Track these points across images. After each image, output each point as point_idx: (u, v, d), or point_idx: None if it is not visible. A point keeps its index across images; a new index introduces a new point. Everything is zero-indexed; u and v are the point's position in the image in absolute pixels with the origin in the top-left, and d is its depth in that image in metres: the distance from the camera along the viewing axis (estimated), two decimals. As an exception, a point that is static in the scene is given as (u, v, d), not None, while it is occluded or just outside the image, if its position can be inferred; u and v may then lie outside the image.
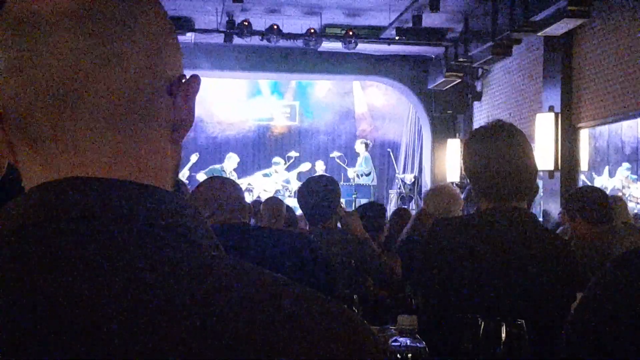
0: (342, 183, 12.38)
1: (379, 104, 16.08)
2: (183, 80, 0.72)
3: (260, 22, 10.45)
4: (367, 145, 13.93)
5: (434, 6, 9.04)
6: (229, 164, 13.09)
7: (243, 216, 2.57)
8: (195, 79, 0.73)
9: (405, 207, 9.66)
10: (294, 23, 10.67)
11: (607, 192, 6.19)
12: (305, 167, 14.06)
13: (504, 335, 1.56)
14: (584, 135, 9.33)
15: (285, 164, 13.92)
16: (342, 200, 11.69)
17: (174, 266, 0.62)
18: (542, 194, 9.24)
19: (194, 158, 13.28)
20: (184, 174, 12.63)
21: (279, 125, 16.30)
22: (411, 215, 5.29)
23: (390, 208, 11.28)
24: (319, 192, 3.47)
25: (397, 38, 10.95)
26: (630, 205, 9.94)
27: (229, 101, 15.65)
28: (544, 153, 8.97)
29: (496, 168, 2.19)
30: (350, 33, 10.70)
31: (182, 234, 0.66)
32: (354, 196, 12.58)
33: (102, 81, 0.66)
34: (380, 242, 4.78)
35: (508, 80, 11.14)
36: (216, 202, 2.52)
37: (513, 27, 8.83)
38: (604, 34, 8.45)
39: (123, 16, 0.68)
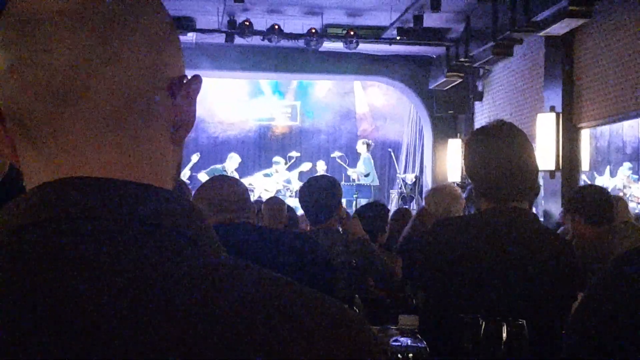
0: (343, 183, 12.37)
1: (380, 103, 16.07)
2: (184, 81, 0.72)
3: (261, 22, 10.45)
4: (368, 145, 13.91)
5: (435, 6, 9.03)
6: (231, 164, 13.09)
7: (247, 216, 2.56)
8: (197, 79, 0.73)
9: (407, 207, 9.67)
10: (295, 23, 10.66)
11: (608, 192, 6.16)
12: (306, 167, 14.05)
13: (504, 335, 1.56)
14: (585, 135, 9.32)
15: (286, 163, 13.92)
16: (343, 201, 11.72)
17: (175, 266, 0.62)
18: (542, 193, 9.24)
19: (195, 158, 13.27)
20: (185, 174, 12.63)
21: (280, 125, 16.29)
22: (412, 215, 5.29)
23: (392, 208, 11.27)
24: (320, 192, 3.47)
25: (398, 38, 10.94)
26: (632, 205, 9.93)
27: (230, 101, 15.65)
28: (545, 153, 8.96)
29: (497, 168, 2.19)
30: (352, 33, 10.69)
31: (183, 233, 0.66)
32: (355, 196, 12.58)
33: (102, 81, 0.66)
34: (382, 242, 4.78)
35: (509, 80, 11.13)
36: (218, 202, 2.52)
37: (514, 27, 8.82)
38: (605, 34, 8.44)
39: (124, 16, 0.68)
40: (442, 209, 4.14)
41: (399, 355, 1.64)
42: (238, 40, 10.65)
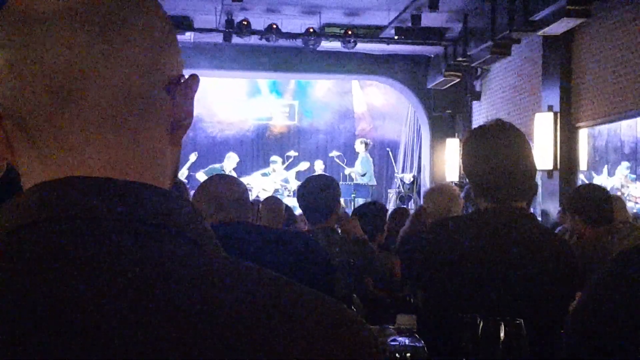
0: (340, 183, 12.36)
1: (378, 103, 16.08)
2: (182, 80, 0.72)
3: (259, 22, 10.45)
4: (367, 144, 13.90)
5: (433, 5, 9.03)
6: (229, 163, 13.09)
7: (245, 215, 2.56)
8: (194, 78, 0.73)
9: (404, 206, 9.67)
10: (293, 22, 10.66)
11: (606, 191, 6.16)
12: (304, 166, 14.05)
13: (502, 334, 1.56)
14: (583, 134, 9.33)
15: (284, 162, 13.92)
16: (341, 200, 11.72)
17: (175, 266, 0.62)
18: (540, 193, 9.24)
19: (193, 157, 13.27)
20: (182, 174, 12.63)
21: (278, 125, 16.30)
22: (410, 215, 5.29)
23: (390, 207, 11.28)
24: (318, 191, 3.47)
25: (396, 37, 10.95)
26: (629, 204, 9.94)
27: (228, 100, 15.65)
28: (543, 152, 8.97)
29: (495, 168, 2.18)
30: (350, 32, 10.69)
31: (183, 233, 0.66)
32: (352, 196, 12.58)
33: (101, 79, 0.66)
34: (380, 242, 4.78)
35: (507, 80, 11.14)
36: (217, 201, 2.52)
37: (512, 26, 8.83)
38: (603, 33, 8.45)
39: (122, 15, 0.67)
40: (441, 208, 4.14)
41: (397, 355, 1.64)
42: (236, 39, 10.65)
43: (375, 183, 13.63)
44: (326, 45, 11.08)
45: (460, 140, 11.79)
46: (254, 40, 10.66)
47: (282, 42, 10.89)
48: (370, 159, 13.89)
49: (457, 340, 1.65)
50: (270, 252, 2.42)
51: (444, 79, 11.54)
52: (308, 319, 0.61)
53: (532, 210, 5.63)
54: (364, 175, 13.44)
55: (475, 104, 12.29)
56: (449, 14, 10.33)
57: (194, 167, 13.14)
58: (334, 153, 14.63)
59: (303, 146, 15.76)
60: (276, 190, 13.13)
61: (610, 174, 11.87)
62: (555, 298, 2.12)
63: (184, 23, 10.58)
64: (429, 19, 10.25)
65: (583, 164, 9.45)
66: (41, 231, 0.63)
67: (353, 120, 16.46)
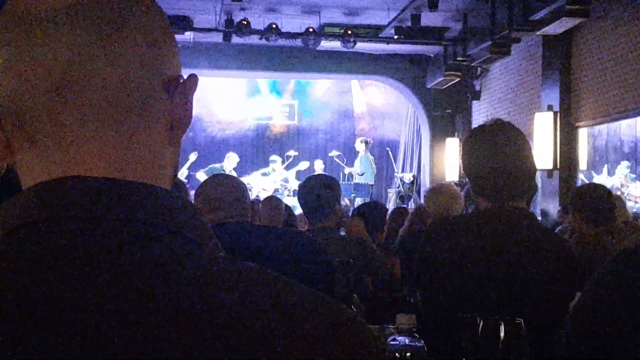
0: (340, 182, 12.35)
1: (378, 103, 16.08)
2: (181, 80, 0.72)
3: (259, 21, 10.45)
4: (367, 143, 13.89)
5: (433, 5, 9.03)
6: (229, 163, 13.09)
7: (242, 214, 2.56)
8: (193, 78, 0.73)
9: (404, 206, 9.66)
10: (293, 22, 10.66)
11: (606, 191, 6.15)
12: (303, 166, 14.05)
13: (502, 334, 1.56)
14: (583, 134, 9.33)
15: (283, 162, 13.91)
16: (347, 200, 11.72)
17: (174, 266, 0.62)
18: (540, 192, 9.24)
19: (192, 157, 13.27)
20: (182, 173, 12.63)
21: (278, 124, 16.30)
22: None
23: (389, 207, 11.28)
24: (318, 190, 3.47)
25: (395, 37, 10.94)
26: (629, 204, 9.94)
27: (228, 100, 15.65)
28: (543, 152, 8.97)
29: (495, 167, 2.18)
30: (349, 32, 10.69)
31: (182, 233, 0.66)
32: (352, 195, 12.59)
33: (99, 77, 0.66)
34: (380, 241, 4.78)
35: (507, 80, 11.14)
36: (214, 200, 2.52)
37: (512, 26, 8.83)
38: (602, 33, 8.45)
39: (120, 14, 0.68)
40: (441, 208, 4.14)
41: (397, 355, 1.64)
42: (235, 39, 10.64)
43: (372, 182, 13.62)
44: (326, 44, 11.08)
45: (460, 139, 11.80)
46: (253, 40, 10.66)
47: (282, 42, 10.89)
48: (371, 158, 13.87)
49: (456, 340, 1.64)
50: (270, 251, 2.42)
51: (443, 78, 11.54)
52: (308, 319, 0.61)
53: (532, 209, 5.63)
54: (362, 174, 13.43)
55: (475, 103, 12.30)
56: (449, 13, 10.33)
57: (193, 167, 13.14)
58: (334, 153, 14.63)
59: (303, 146, 15.76)
60: (276, 190, 13.13)
61: (610, 173, 11.87)
62: (555, 298, 2.12)
63: (184, 23, 10.58)
64: (428, 19, 10.25)
65: (583, 164, 9.46)
66: (41, 231, 0.63)
67: (353, 119, 16.46)
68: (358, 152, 13.97)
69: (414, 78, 12.83)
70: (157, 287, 0.60)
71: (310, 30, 10.61)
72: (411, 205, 12.07)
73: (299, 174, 13.55)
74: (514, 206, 2.19)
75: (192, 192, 3.33)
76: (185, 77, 0.73)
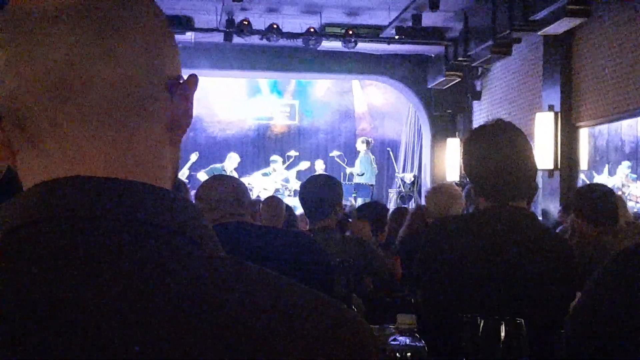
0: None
1: (379, 103, 16.08)
2: (181, 80, 0.72)
3: (259, 22, 10.45)
4: (368, 143, 13.88)
5: (434, 5, 9.03)
6: (230, 163, 13.09)
7: (241, 214, 2.56)
8: (193, 78, 0.73)
9: (405, 206, 9.66)
10: (294, 22, 10.66)
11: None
12: (304, 166, 14.04)
13: (503, 334, 1.56)
14: (584, 134, 9.32)
15: (284, 162, 13.91)
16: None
17: (174, 266, 0.62)
18: (541, 192, 9.23)
19: (193, 157, 13.27)
20: (183, 173, 12.63)
21: (279, 125, 16.29)
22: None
23: (390, 207, 11.28)
24: (319, 190, 3.47)
25: (396, 37, 10.94)
26: (630, 204, 9.94)
27: (229, 100, 15.65)
28: (544, 152, 8.96)
29: (496, 167, 2.18)
30: (350, 32, 10.69)
31: (183, 233, 0.66)
32: (353, 195, 12.58)
33: (99, 77, 0.66)
34: (381, 241, 4.78)
35: (508, 80, 11.13)
36: (214, 201, 2.53)
37: (513, 26, 8.83)
38: (603, 33, 8.44)
39: (120, 14, 0.68)
40: (441, 208, 4.14)
41: (397, 355, 1.64)
42: (236, 39, 10.64)
43: (373, 183, 13.61)
44: (327, 45, 11.07)
45: (460, 139, 11.79)
46: (254, 40, 10.66)
47: (283, 42, 10.89)
48: (372, 157, 13.85)
49: (457, 339, 1.65)
50: (269, 252, 2.42)
51: (444, 78, 11.54)
52: (308, 319, 0.61)
53: (532, 209, 5.62)
54: (362, 174, 13.42)
55: (475, 103, 12.29)
56: (450, 13, 10.32)
57: (194, 167, 13.14)
58: (335, 153, 14.62)
59: (303, 146, 15.76)
60: (277, 190, 13.13)
61: (611, 173, 11.87)
62: (556, 298, 2.12)
63: (185, 23, 10.58)
64: (429, 19, 10.25)
65: (584, 164, 9.45)
66: (41, 231, 0.63)
67: (353, 119, 16.45)
68: (359, 152, 13.96)
69: (414, 78, 12.82)
70: (157, 287, 0.60)
71: (311, 30, 10.60)
72: (412, 206, 12.07)
73: (299, 174, 13.54)
74: (515, 206, 2.19)
75: (193, 192, 3.34)
76: (185, 77, 0.73)
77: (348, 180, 13.46)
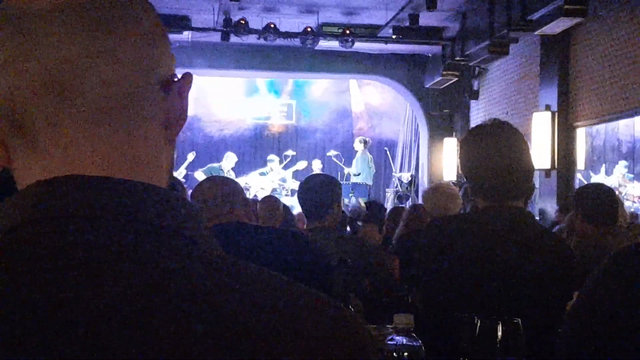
0: (338, 182, 12.31)
1: (376, 102, 16.09)
2: (175, 79, 0.72)
3: (257, 21, 10.45)
4: (366, 142, 13.89)
5: (431, 5, 9.03)
6: (227, 163, 13.09)
7: (240, 214, 2.56)
8: (188, 77, 0.73)
9: (402, 205, 9.67)
10: (291, 22, 10.67)
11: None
12: (301, 165, 14.03)
13: (500, 334, 1.56)
14: (581, 133, 9.33)
15: (281, 162, 13.91)
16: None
17: (173, 265, 0.62)
18: (538, 192, 9.25)
19: (190, 157, 13.26)
20: (180, 173, 12.63)
21: (276, 124, 16.30)
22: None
23: (388, 207, 11.28)
24: (317, 189, 3.47)
25: (394, 37, 10.95)
26: (627, 204, 9.96)
27: (226, 100, 15.65)
28: (541, 152, 8.97)
29: (493, 167, 2.18)
30: (347, 32, 10.70)
31: (180, 233, 0.66)
32: (350, 195, 12.59)
33: (96, 76, 0.66)
34: (379, 241, 4.78)
35: (505, 79, 11.14)
36: (210, 201, 2.54)
37: (510, 26, 8.84)
38: (600, 32, 8.46)
39: (116, 13, 0.68)
40: (439, 207, 4.14)
41: (395, 354, 1.64)
42: (234, 39, 10.65)
43: (370, 183, 13.61)
44: (324, 44, 11.08)
45: (458, 139, 11.79)
46: (251, 39, 10.66)
47: (280, 42, 10.89)
48: (370, 157, 13.85)
49: (454, 339, 1.65)
50: (267, 251, 2.42)
51: (441, 78, 11.55)
52: (307, 319, 0.61)
53: (529, 209, 5.63)
54: (358, 174, 13.42)
55: (473, 103, 12.30)
56: (447, 13, 10.33)
57: (191, 167, 13.14)
58: (332, 152, 14.63)
59: (301, 145, 15.76)
60: (274, 190, 13.12)
61: (608, 173, 11.89)
62: (553, 297, 2.12)
63: (182, 22, 10.58)
64: (426, 19, 10.25)
65: (581, 163, 9.47)
66: (40, 230, 0.63)
67: (351, 119, 16.46)
68: (356, 151, 13.97)
69: (412, 78, 12.84)
70: (157, 287, 0.60)
71: (309, 29, 10.61)
72: (409, 205, 12.07)
73: (297, 174, 13.54)
74: (512, 206, 2.19)
75: (190, 192, 3.34)
76: (180, 75, 0.73)
77: (345, 180, 13.45)
